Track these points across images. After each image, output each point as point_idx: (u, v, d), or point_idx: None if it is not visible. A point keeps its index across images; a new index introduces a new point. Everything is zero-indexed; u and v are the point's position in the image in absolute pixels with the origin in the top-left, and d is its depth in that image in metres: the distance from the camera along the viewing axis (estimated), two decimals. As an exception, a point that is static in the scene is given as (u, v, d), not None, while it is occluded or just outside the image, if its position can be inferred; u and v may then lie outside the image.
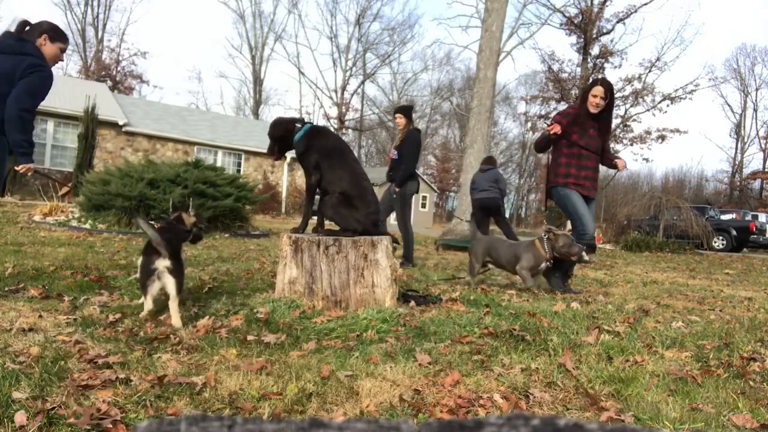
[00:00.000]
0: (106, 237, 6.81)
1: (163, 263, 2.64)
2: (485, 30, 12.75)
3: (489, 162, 9.01)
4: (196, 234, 3.28)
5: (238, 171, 20.18)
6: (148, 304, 2.72)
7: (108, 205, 8.27)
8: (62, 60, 3.43)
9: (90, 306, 2.92)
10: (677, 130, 27.31)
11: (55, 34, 3.31)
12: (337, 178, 3.34)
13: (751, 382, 2.19)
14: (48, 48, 3.27)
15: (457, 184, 22.87)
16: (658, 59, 27.66)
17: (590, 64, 26.97)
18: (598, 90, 4.44)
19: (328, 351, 2.30)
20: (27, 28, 3.27)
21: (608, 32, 26.93)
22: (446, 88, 46.81)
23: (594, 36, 26.57)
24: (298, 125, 3.50)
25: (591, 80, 4.72)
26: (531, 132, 39.81)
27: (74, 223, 7.94)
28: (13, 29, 3.24)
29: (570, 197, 4.49)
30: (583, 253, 4.92)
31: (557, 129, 4.37)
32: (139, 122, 19.31)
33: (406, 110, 6.26)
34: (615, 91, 4.60)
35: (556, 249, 4.35)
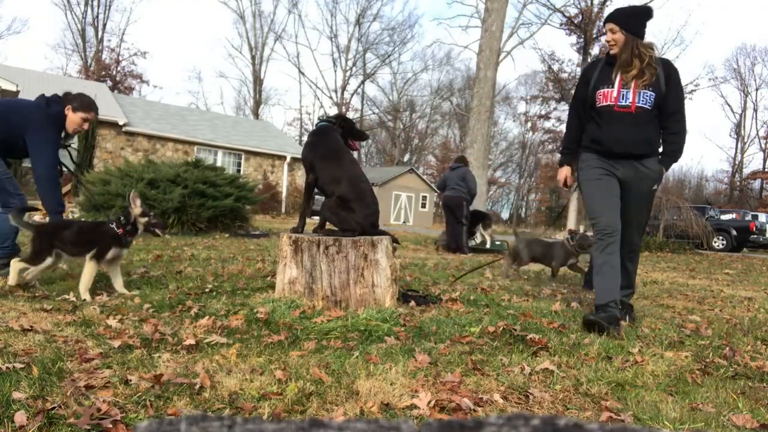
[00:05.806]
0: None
1: None
2: (485, 30, 12.75)
3: (459, 161, 9.13)
4: (151, 224, 3.45)
5: (238, 171, 20.17)
6: None
7: (108, 205, 8.28)
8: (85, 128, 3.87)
9: (90, 306, 2.92)
10: (677, 130, 27.29)
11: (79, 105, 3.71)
12: (336, 180, 3.34)
13: (750, 383, 2.19)
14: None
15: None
16: (658, 59, 27.64)
17: (590, 64, 26.96)
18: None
19: (328, 351, 2.30)
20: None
21: (608, 32, 26.93)
22: (446, 88, 46.79)
23: (594, 36, 26.56)
24: (317, 121, 3.63)
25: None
26: (531, 132, 39.77)
27: (74, 223, 7.93)
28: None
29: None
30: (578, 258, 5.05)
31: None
32: (139, 122, 19.30)
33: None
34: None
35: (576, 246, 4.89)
